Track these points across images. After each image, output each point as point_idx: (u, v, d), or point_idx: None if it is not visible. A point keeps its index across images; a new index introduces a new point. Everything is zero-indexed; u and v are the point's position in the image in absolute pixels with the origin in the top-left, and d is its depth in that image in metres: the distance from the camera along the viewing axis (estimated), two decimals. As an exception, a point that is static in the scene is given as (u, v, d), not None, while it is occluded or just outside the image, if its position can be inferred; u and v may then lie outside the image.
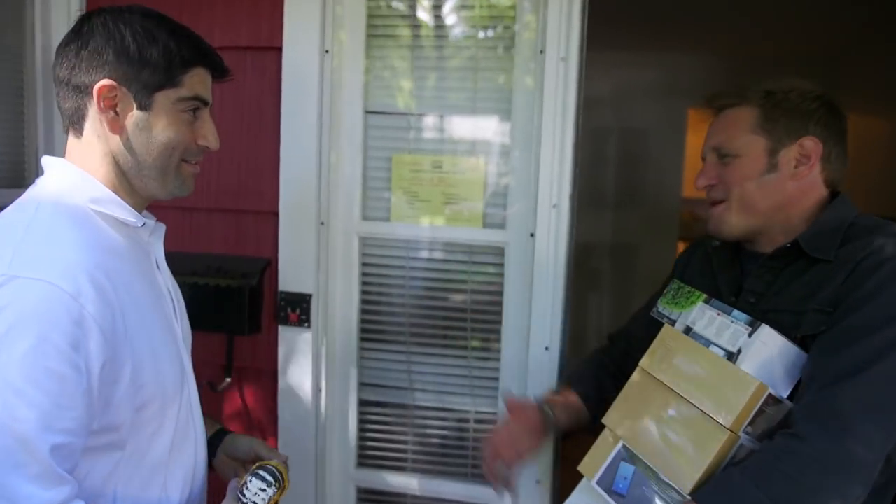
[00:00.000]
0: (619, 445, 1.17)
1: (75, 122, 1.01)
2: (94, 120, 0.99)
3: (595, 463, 1.19)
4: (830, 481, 0.98)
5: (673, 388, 1.13)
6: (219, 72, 1.07)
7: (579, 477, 1.23)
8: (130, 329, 0.95)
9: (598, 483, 1.17)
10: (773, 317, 1.12)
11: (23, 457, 0.84)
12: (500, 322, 1.77)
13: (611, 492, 1.15)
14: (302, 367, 1.79)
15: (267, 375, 1.83)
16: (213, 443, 1.21)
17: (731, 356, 1.08)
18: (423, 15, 1.74)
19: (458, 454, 1.84)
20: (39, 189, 1.01)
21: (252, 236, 1.81)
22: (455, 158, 1.76)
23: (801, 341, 1.09)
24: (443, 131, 1.78)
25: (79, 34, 0.99)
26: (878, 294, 1.03)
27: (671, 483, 1.08)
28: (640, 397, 1.19)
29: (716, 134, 1.24)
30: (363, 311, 1.85)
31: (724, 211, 1.21)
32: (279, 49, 1.73)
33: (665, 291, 1.29)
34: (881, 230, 1.11)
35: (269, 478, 1.05)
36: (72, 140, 1.02)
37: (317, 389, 1.81)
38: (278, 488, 1.06)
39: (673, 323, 1.21)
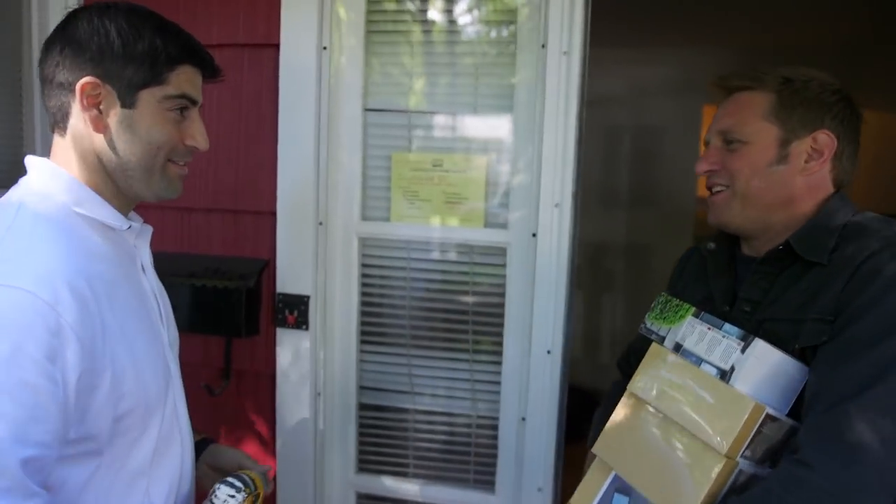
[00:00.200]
0: (612, 476, 1.10)
1: (60, 121, 0.99)
2: (77, 118, 0.97)
3: (585, 499, 1.12)
4: None
5: (664, 412, 1.05)
6: (209, 71, 1.04)
7: None
8: (111, 337, 0.92)
9: None
10: (771, 326, 1.05)
11: None
12: (501, 324, 1.72)
13: None
14: (301, 370, 1.76)
15: (265, 379, 1.80)
16: (196, 452, 1.18)
17: (724, 374, 1.01)
18: (424, 10, 1.71)
19: (459, 459, 1.81)
20: (22, 191, 0.98)
21: (249, 237, 1.78)
22: (456, 157, 1.72)
23: (800, 352, 1.02)
24: (443, 129, 1.74)
25: (64, 31, 0.96)
26: (881, 302, 0.96)
27: None
28: (629, 423, 1.11)
29: (725, 117, 1.16)
30: (363, 313, 1.82)
31: (727, 199, 1.13)
32: (277, 46, 1.70)
33: (653, 305, 1.20)
34: (880, 230, 1.03)
35: (237, 483, 1.03)
36: (57, 139, 1.00)
37: (316, 393, 1.78)
38: (248, 494, 1.03)
39: (662, 339, 1.13)
